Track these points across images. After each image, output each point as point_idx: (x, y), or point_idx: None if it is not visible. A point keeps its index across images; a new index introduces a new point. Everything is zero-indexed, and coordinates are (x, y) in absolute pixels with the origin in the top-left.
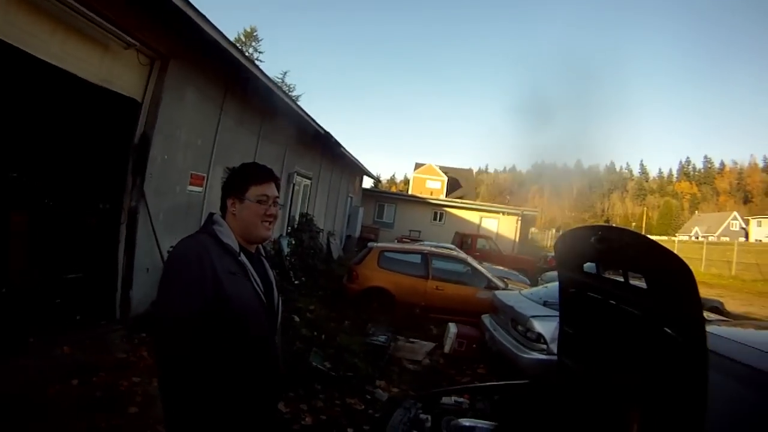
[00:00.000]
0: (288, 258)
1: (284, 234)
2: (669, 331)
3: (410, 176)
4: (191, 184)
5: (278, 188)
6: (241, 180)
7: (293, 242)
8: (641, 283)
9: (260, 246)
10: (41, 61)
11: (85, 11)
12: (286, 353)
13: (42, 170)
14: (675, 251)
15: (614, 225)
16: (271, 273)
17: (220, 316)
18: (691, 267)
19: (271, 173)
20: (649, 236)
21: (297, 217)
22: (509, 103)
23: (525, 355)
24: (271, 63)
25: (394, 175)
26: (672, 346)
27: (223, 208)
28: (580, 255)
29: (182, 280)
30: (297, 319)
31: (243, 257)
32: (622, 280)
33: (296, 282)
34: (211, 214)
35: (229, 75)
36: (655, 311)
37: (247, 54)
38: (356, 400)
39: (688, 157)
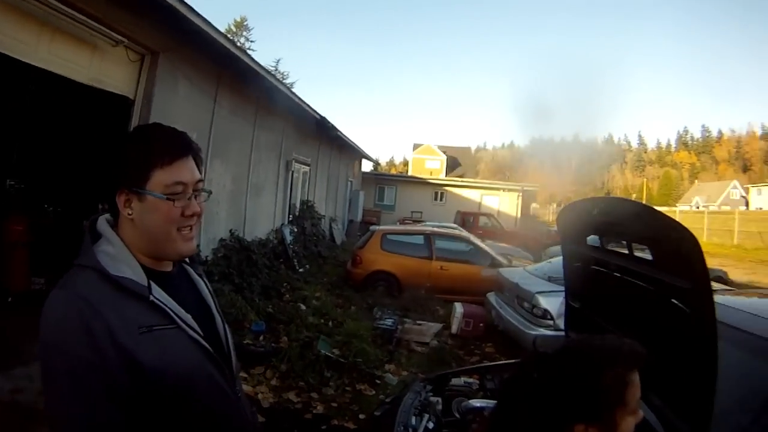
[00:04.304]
0: (291, 246)
1: (286, 222)
2: (677, 302)
3: (409, 157)
4: None
5: (199, 164)
6: (137, 160)
7: (295, 230)
8: (646, 255)
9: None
10: (30, 66)
11: (68, 11)
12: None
13: (39, 176)
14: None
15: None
16: (206, 290)
17: (148, 405)
18: None
19: (185, 142)
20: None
21: (297, 205)
22: (506, 77)
23: (532, 332)
24: (263, 52)
25: (392, 158)
26: (680, 317)
27: (113, 210)
28: (583, 228)
29: (72, 385)
30: (303, 307)
31: (156, 293)
32: (627, 251)
33: (301, 270)
34: (92, 223)
35: (221, 65)
36: (662, 283)
37: (238, 44)
38: (366, 385)
39: (685, 127)
